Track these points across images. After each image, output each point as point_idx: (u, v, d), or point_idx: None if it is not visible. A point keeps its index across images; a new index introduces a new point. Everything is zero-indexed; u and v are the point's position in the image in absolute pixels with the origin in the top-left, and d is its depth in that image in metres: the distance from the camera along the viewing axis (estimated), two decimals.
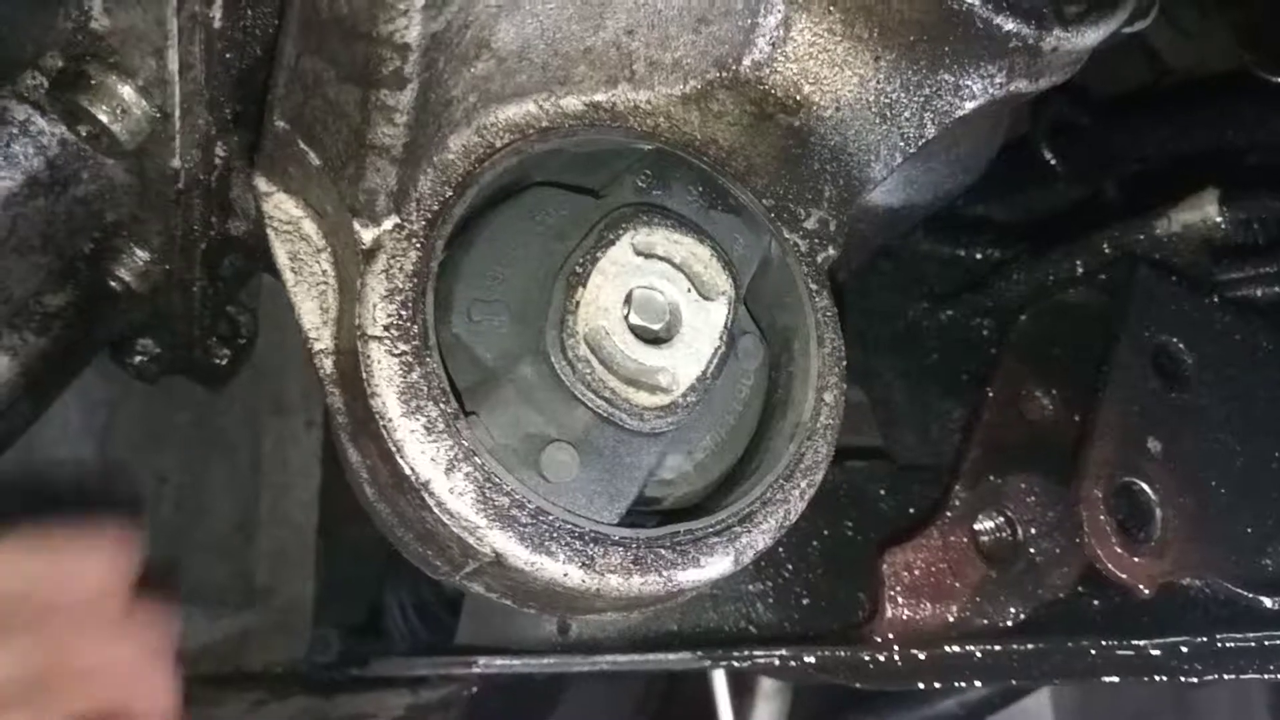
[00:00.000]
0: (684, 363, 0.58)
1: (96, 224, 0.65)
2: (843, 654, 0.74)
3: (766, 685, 1.41)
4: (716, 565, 0.59)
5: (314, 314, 0.62)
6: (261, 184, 0.63)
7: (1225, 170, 0.90)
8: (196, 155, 0.59)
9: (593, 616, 0.72)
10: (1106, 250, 0.88)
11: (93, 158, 0.59)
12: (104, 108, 0.54)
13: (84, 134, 0.56)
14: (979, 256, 1.04)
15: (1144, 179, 1.04)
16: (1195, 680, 0.73)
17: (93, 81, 0.53)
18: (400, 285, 0.56)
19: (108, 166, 0.60)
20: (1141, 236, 0.87)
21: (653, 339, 0.58)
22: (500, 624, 0.74)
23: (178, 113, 0.55)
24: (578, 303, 0.57)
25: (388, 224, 0.57)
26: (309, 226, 0.63)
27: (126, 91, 0.54)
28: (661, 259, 0.59)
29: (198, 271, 0.72)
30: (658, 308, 0.59)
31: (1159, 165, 1.04)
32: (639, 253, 0.58)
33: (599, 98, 0.63)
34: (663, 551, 0.57)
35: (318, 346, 0.62)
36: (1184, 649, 0.74)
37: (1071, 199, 1.08)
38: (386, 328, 0.56)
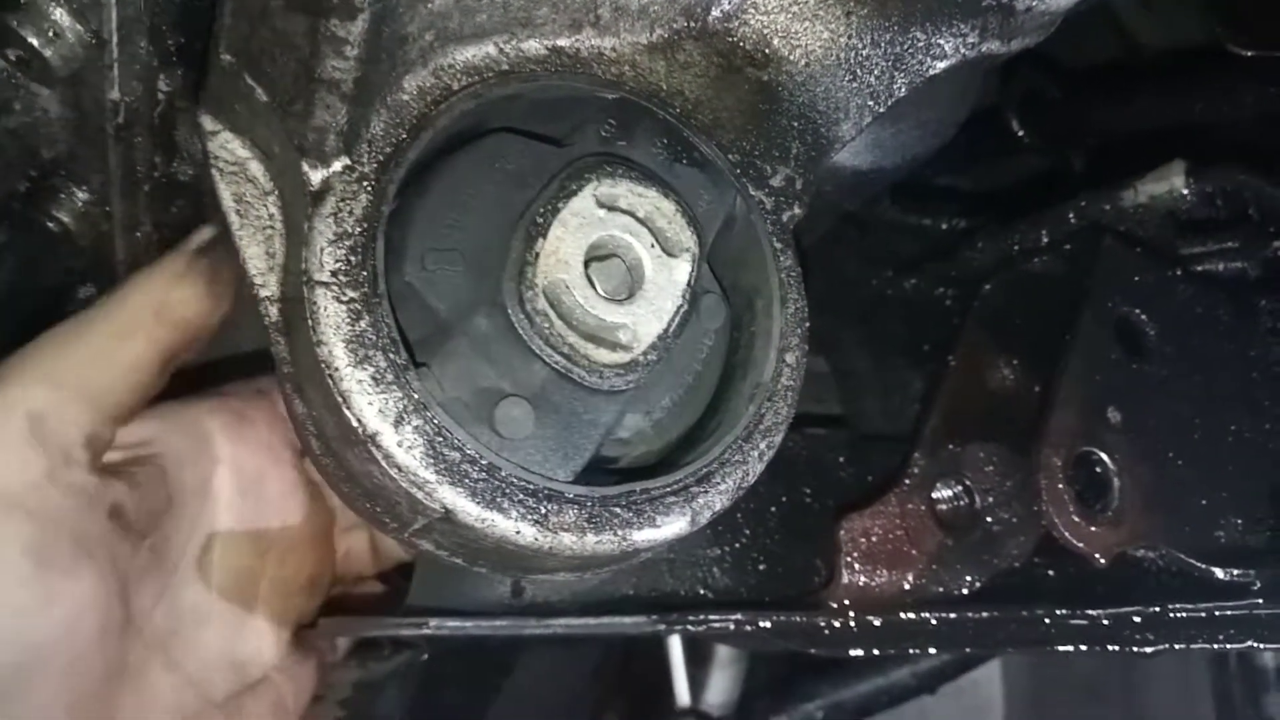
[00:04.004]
0: (645, 320, 0.57)
1: (31, 160, 0.62)
2: (798, 619, 0.73)
3: (722, 655, 1.41)
4: (672, 525, 0.58)
5: (259, 259, 0.60)
6: (207, 122, 0.60)
7: (1193, 144, 0.90)
8: (137, 88, 0.57)
9: (546, 578, 0.71)
10: (1072, 220, 0.88)
11: (24, 86, 0.56)
12: (34, 30, 0.51)
13: (13, 58, 0.53)
14: (945, 226, 1.04)
15: (1111, 151, 1.04)
16: (1148, 650, 0.73)
17: (22, 2, 0.50)
18: (349, 229, 0.54)
19: (41, 97, 0.57)
20: (1107, 207, 0.87)
21: (614, 295, 0.56)
22: (453, 587, 0.73)
23: (114, 39, 0.52)
24: (537, 254, 0.55)
25: (337, 165, 0.54)
26: (256, 168, 0.60)
27: (59, 13, 0.51)
28: (625, 212, 0.57)
29: (141, 214, 0.69)
30: (621, 263, 0.57)
31: (1127, 138, 1.03)
32: (602, 204, 0.57)
33: (562, 42, 0.61)
34: (618, 510, 0.56)
35: (263, 293, 0.60)
36: (1136, 619, 0.74)
37: (1038, 170, 1.08)
38: (334, 273, 0.54)
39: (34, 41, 0.51)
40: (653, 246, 0.57)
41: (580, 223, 0.56)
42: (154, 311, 0.65)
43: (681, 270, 0.57)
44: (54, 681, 0.62)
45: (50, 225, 0.67)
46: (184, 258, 0.67)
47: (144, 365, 0.66)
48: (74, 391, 0.64)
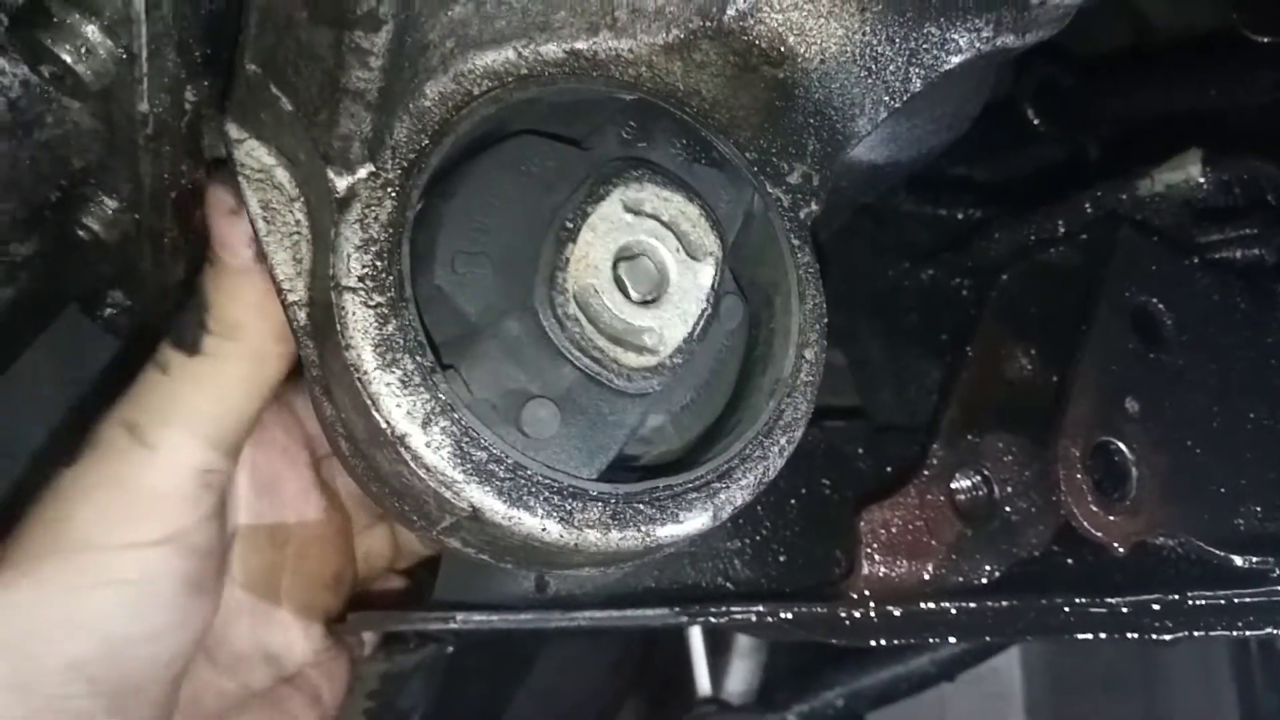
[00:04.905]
0: (671, 323, 0.57)
1: (63, 170, 0.63)
2: (819, 610, 0.74)
3: (743, 644, 1.42)
4: (695, 521, 0.59)
5: (287, 265, 0.61)
6: (233, 131, 0.61)
7: (1208, 131, 0.90)
8: (165, 99, 0.58)
9: (571, 573, 0.72)
10: (1088, 210, 0.88)
11: (56, 100, 0.57)
12: (68, 47, 0.52)
13: (47, 74, 0.54)
14: (960, 216, 1.04)
15: (1127, 140, 1.04)
16: (1167, 638, 0.74)
17: (55, 19, 0.51)
18: (375, 235, 0.55)
19: (73, 110, 0.58)
20: (1124, 196, 0.87)
21: (640, 299, 0.57)
22: (477, 581, 0.74)
23: (144, 53, 0.53)
24: (568, 259, 0.56)
25: (362, 172, 0.55)
26: (282, 175, 0.61)
27: (91, 30, 0.52)
28: (650, 216, 0.58)
29: (169, 222, 0.70)
30: (647, 267, 0.58)
31: (1142, 126, 1.03)
32: (629, 209, 0.57)
33: (580, 45, 0.62)
34: (641, 507, 0.57)
35: (291, 298, 0.61)
36: (1155, 607, 0.74)
37: (1054, 159, 1.08)
38: (361, 278, 0.55)
39: (67, 58, 0.52)
40: (678, 250, 0.58)
41: (609, 227, 0.56)
42: (275, 338, 0.68)
43: (705, 274, 0.58)
44: (162, 688, 0.68)
45: (80, 233, 0.68)
46: (258, 283, 0.66)
47: (275, 387, 0.70)
48: (231, 441, 0.69)
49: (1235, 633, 0.74)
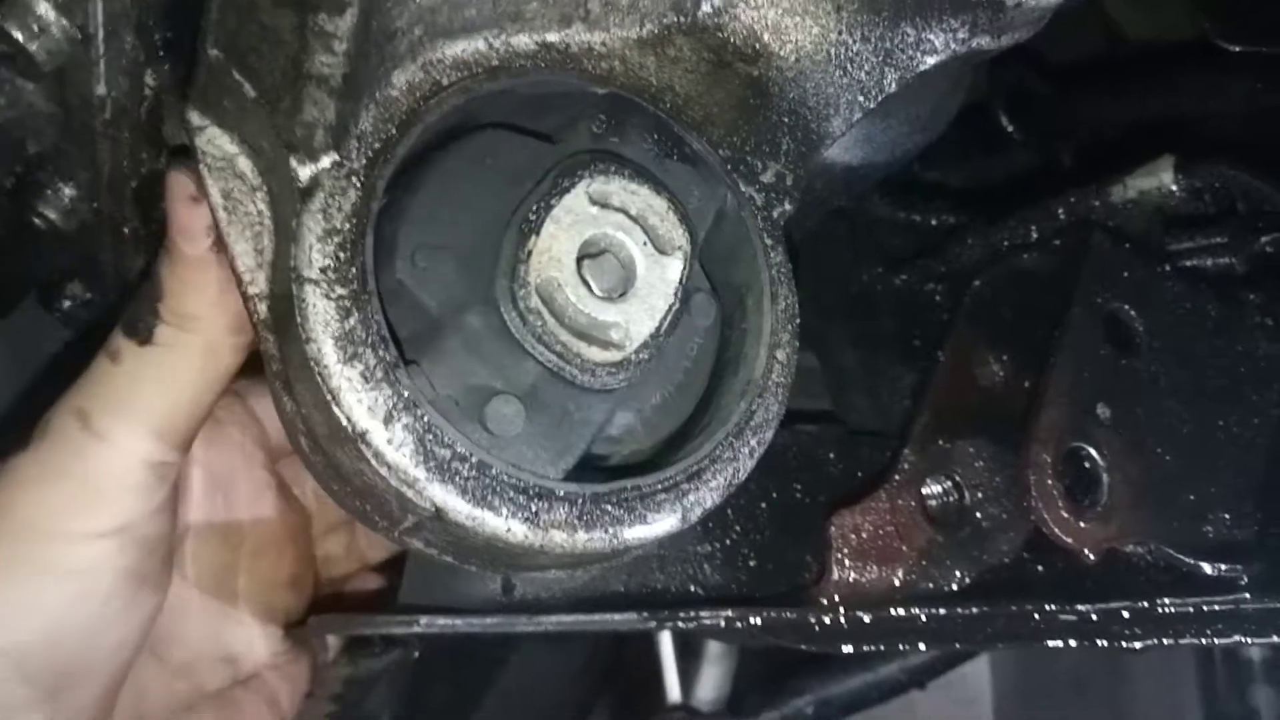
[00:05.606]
0: (637, 319, 0.56)
1: (17, 155, 0.61)
2: (789, 615, 0.73)
3: (713, 649, 1.41)
4: (663, 522, 0.58)
5: (248, 256, 0.59)
6: (194, 117, 0.59)
7: (1181, 139, 0.90)
8: (123, 83, 0.56)
9: (537, 575, 0.71)
10: (1061, 216, 0.88)
11: (9, 80, 0.55)
12: (18, 24, 0.50)
13: None
14: (934, 222, 1.04)
15: (1100, 146, 1.05)
16: (1136, 645, 0.73)
17: None
18: (338, 226, 0.54)
19: (27, 91, 0.57)
20: (1096, 203, 0.87)
21: (606, 293, 0.56)
22: (443, 584, 0.72)
23: (100, 34, 0.51)
24: (530, 252, 0.55)
25: (326, 161, 0.54)
26: (244, 163, 0.60)
27: (44, 8, 0.50)
28: (617, 210, 0.57)
29: (128, 211, 0.69)
30: (613, 261, 0.57)
31: (1115, 133, 1.04)
32: (594, 202, 0.56)
33: (552, 37, 0.61)
34: (609, 508, 0.56)
35: (252, 290, 0.59)
36: (1125, 614, 0.74)
37: (1027, 165, 1.08)
38: (323, 270, 0.53)
39: (18, 36, 0.50)
40: (645, 244, 0.57)
41: (573, 220, 0.55)
42: (230, 330, 0.66)
43: (674, 268, 0.57)
44: (100, 681, 0.66)
45: (37, 222, 0.66)
46: (215, 274, 0.65)
47: (228, 379, 0.69)
48: (182, 434, 0.67)
49: (1204, 640, 0.74)
